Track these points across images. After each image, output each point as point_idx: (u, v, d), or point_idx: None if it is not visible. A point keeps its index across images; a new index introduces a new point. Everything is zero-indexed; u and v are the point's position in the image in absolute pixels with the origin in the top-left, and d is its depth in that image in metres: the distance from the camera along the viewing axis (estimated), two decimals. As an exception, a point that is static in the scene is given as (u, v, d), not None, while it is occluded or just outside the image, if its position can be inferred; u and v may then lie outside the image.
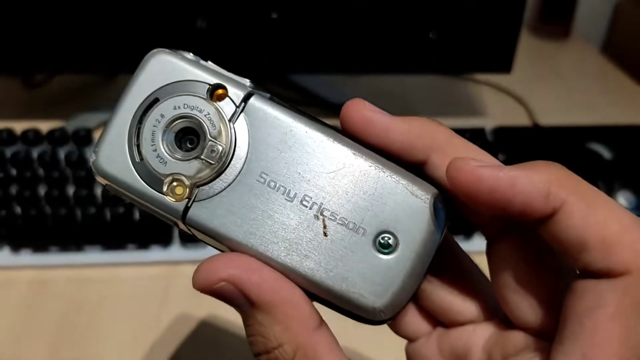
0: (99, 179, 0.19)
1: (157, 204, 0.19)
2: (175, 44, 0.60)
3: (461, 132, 0.61)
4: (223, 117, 0.19)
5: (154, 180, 0.19)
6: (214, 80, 0.19)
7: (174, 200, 0.19)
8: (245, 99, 0.19)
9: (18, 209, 0.47)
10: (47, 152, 0.50)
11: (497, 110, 0.68)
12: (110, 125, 0.19)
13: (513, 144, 0.59)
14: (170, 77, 0.19)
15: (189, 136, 0.19)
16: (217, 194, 0.19)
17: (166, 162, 0.19)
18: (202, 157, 0.19)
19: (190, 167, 0.19)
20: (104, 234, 0.46)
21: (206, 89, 0.19)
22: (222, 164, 0.19)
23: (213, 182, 0.19)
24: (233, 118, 0.19)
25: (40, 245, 0.46)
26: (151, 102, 0.19)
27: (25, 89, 0.68)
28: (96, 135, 0.55)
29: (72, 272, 0.45)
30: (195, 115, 0.19)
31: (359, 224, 0.19)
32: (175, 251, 0.46)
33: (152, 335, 0.41)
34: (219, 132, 0.19)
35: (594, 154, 0.52)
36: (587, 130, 0.63)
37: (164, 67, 0.19)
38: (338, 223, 0.19)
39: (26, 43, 0.56)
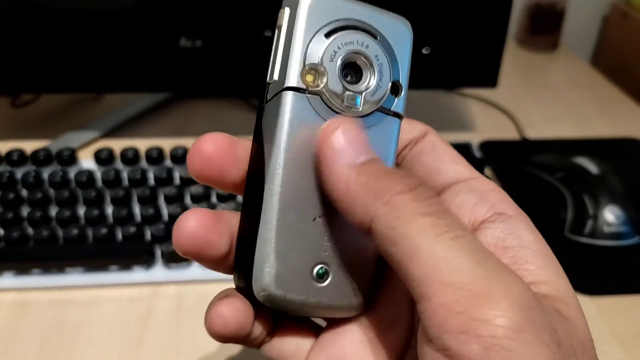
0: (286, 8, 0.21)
1: (290, 63, 0.20)
2: (162, 62, 0.59)
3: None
4: (381, 100, 0.22)
5: (314, 55, 0.21)
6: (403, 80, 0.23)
7: (299, 77, 0.20)
8: (397, 115, 0.23)
9: (0, 231, 0.47)
10: (30, 173, 0.50)
11: (485, 123, 0.68)
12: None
13: (500, 158, 0.59)
14: (400, 42, 0.22)
15: (356, 71, 0.22)
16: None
17: (329, 63, 0.21)
18: (343, 93, 0.21)
19: (334, 83, 0.21)
20: (85, 255, 0.46)
21: (391, 83, 0.22)
22: (345, 113, 0.21)
23: (324, 110, 0.21)
24: (384, 108, 0.22)
25: (22, 267, 0.45)
26: (361, 28, 0.21)
27: (13, 108, 0.68)
28: (80, 155, 0.54)
29: (54, 294, 0.45)
30: (377, 75, 0.22)
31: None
32: (158, 272, 0.46)
33: (135, 358, 0.40)
34: (368, 104, 0.21)
35: (581, 169, 0.52)
36: (575, 143, 0.63)
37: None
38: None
39: (13, 62, 0.56)
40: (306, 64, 0.20)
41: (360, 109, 0.21)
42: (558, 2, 0.84)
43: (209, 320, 0.22)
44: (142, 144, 0.54)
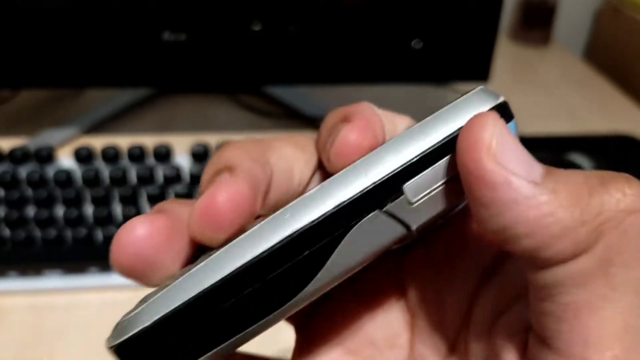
0: None
1: None
2: (145, 56, 0.57)
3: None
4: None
5: None
6: None
7: None
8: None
9: (-25, 233, 0.45)
10: (7, 172, 0.48)
11: (477, 119, 0.67)
12: None
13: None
14: None
15: None
16: None
17: None
18: None
19: None
20: (64, 257, 0.44)
21: None
22: None
23: None
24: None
25: (-2, 270, 0.44)
26: None
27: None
28: (59, 153, 0.53)
29: (31, 298, 0.43)
30: None
31: None
32: (140, 274, 0.44)
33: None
34: None
35: (574, 166, 0.51)
36: (568, 140, 0.62)
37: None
38: None
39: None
40: None
41: None
42: (550, -4, 0.83)
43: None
44: (124, 142, 0.52)
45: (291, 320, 0.20)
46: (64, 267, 0.44)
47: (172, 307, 0.13)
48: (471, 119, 0.14)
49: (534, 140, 0.61)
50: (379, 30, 0.56)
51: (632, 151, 0.62)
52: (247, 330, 0.14)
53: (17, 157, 0.50)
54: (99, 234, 0.45)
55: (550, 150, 0.55)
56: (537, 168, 0.14)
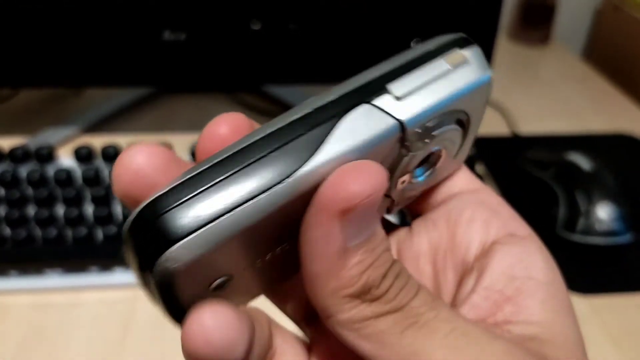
0: None
1: None
2: (145, 55, 0.58)
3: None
4: None
5: None
6: None
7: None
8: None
9: (-24, 232, 0.46)
10: (8, 171, 0.48)
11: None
12: None
13: (492, 155, 0.58)
14: None
15: None
16: None
17: None
18: None
19: None
20: (65, 256, 0.44)
21: None
22: None
23: None
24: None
25: (-1, 269, 0.44)
26: None
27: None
28: (59, 152, 0.53)
29: (32, 297, 0.43)
30: None
31: None
32: (140, 273, 0.44)
33: (115, 363, 0.39)
34: None
35: (573, 165, 0.51)
36: (567, 139, 0.62)
37: None
38: None
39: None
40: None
41: None
42: (549, -5, 0.83)
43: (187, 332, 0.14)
44: (124, 140, 0.52)
45: (299, 308, 0.20)
46: (64, 266, 0.44)
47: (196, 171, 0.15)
48: (350, 165, 0.15)
49: (533, 140, 0.61)
50: (379, 29, 0.56)
51: (631, 150, 0.62)
52: (249, 202, 0.14)
53: (17, 156, 0.50)
54: (99, 233, 0.45)
55: (549, 149, 0.56)
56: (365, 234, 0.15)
